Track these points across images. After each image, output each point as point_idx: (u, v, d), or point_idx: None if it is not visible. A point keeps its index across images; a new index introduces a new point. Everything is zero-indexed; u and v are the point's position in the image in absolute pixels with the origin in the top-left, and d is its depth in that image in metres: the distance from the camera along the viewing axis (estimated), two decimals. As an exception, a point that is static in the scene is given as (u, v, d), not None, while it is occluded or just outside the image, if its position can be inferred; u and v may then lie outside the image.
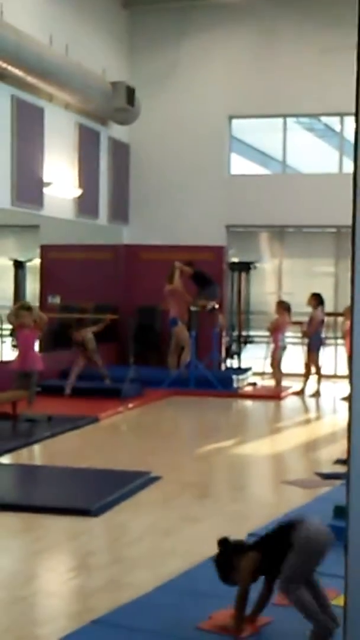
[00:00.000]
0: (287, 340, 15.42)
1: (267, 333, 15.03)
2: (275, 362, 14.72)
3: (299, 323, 15.07)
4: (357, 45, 3.09)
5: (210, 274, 15.05)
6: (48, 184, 13.85)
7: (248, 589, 4.32)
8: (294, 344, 15.69)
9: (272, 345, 14.80)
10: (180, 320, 14.54)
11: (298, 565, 4.19)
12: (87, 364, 13.22)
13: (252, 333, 16.60)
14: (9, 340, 15.08)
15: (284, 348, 14.79)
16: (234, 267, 16.62)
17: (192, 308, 14.44)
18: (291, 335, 15.62)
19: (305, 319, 14.84)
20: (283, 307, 14.82)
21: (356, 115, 3.13)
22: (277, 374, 14.71)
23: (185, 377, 14.13)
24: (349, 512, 3.30)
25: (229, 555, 4.40)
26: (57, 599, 5.22)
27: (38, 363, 11.37)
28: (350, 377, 3.08)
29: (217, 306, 15.03)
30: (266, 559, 4.30)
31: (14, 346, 13.24)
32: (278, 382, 14.67)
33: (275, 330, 14.71)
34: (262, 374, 15.26)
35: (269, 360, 14.87)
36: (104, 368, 13.48)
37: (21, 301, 13.15)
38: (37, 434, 10.18)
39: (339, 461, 8.87)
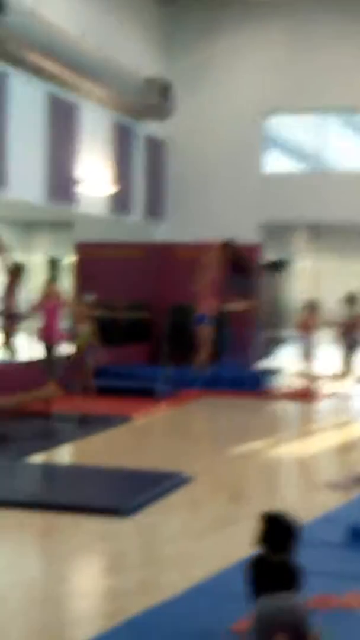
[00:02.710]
0: (321, 339, 15.33)
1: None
2: (307, 362, 14.63)
3: (335, 323, 14.97)
4: None
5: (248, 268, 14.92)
6: (82, 181, 13.86)
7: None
8: (328, 343, 15.59)
9: (301, 345, 14.70)
10: (209, 317, 14.44)
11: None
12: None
13: (286, 332, 16.49)
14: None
15: (313, 348, 14.68)
16: (269, 265, 16.53)
17: (228, 308, 14.38)
18: (326, 335, 15.52)
19: (341, 318, 14.76)
20: (311, 306, 14.75)
21: None
22: (309, 374, 14.63)
23: (214, 377, 14.03)
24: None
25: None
26: (89, 599, 5.25)
27: (58, 335, 11.56)
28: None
29: (251, 307, 14.99)
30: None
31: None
32: (310, 382, 14.58)
33: (303, 330, 14.62)
34: (296, 374, 15.18)
35: (301, 361, 14.79)
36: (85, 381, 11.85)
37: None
38: (70, 433, 10.24)
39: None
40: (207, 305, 14.45)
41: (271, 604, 4.02)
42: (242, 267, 14.71)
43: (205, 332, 14.47)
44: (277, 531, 4.16)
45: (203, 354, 14.48)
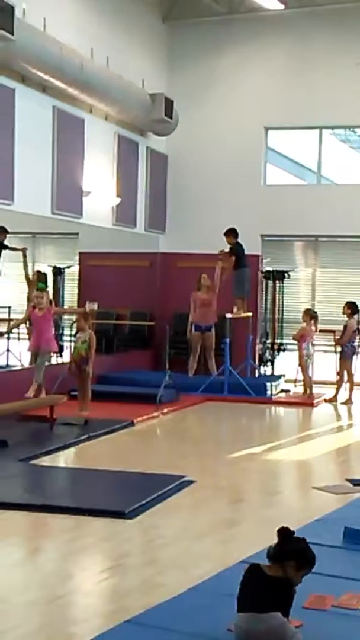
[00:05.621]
0: (320, 348, 15.55)
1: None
2: (303, 370, 14.84)
3: (332, 331, 15.22)
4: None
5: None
6: (87, 192, 14.09)
7: None
8: (326, 351, 15.82)
9: (300, 353, 14.93)
10: (197, 324, 14.82)
11: None
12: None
13: (285, 341, 16.72)
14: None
15: (309, 356, 14.89)
16: (269, 275, 16.76)
17: (227, 315, 14.59)
18: (324, 343, 15.76)
19: (339, 327, 14.98)
20: (309, 315, 14.95)
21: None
22: (305, 381, 14.84)
23: (215, 383, 14.27)
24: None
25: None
26: (92, 598, 5.32)
27: (46, 343, 11.65)
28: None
29: (250, 314, 15.21)
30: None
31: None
32: (306, 389, 14.80)
33: (300, 339, 14.84)
34: (294, 381, 15.40)
35: (300, 368, 15.01)
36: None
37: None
38: (73, 437, 10.36)
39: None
40: (213, 314, 14.70)
41: (247, 623, 4.12)
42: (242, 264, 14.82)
43: (211, 340, 14.75)
44: (283, 549, 4.24)
45: (213, 361, 14.75)
